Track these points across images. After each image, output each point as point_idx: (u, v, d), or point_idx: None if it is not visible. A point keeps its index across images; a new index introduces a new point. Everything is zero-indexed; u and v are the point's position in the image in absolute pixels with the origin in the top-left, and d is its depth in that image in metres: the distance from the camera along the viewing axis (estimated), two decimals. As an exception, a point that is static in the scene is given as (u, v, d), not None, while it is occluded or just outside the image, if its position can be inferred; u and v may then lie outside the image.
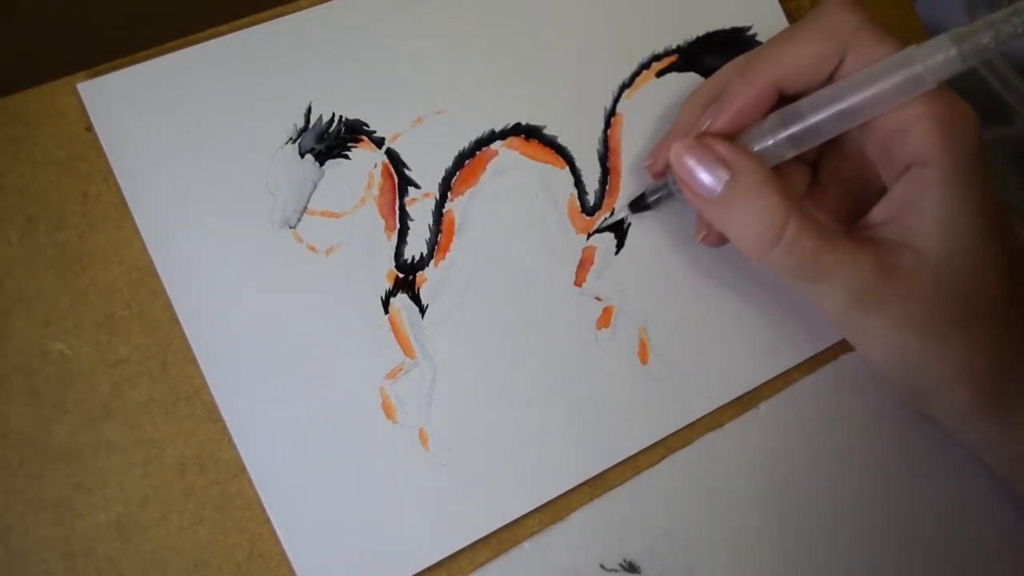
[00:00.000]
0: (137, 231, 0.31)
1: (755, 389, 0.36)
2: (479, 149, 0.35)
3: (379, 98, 0.34)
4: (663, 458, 0.35)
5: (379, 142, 0.34)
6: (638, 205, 0.35)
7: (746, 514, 0.35)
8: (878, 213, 0.31)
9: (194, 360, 0.31)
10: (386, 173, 0.34)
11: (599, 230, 0.36)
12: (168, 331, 0.31)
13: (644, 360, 0.35)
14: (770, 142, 0.31)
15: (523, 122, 0.35)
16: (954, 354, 0.31)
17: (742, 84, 0.31)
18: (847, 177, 0.34)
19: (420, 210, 0.34)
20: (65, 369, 0.30)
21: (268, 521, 0.31)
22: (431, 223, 0.34)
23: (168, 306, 0.31)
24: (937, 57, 0.29)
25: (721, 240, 0.34)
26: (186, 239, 0.32)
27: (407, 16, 0.35)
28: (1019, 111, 0.52)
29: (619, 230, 0.36)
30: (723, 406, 0.36)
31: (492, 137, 0.35)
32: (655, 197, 0.34)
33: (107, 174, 0.31)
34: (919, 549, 0.37)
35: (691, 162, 0.31)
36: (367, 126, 0.34)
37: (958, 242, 0.30)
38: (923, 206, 0.30)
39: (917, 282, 0.30)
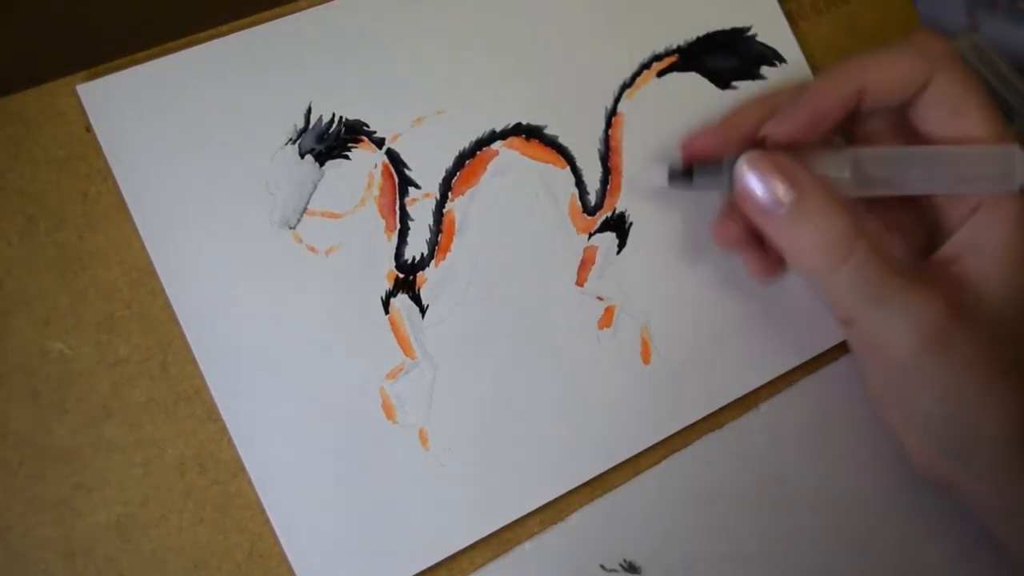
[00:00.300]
0: (137, 231, 0.31)
1: (755, 389, 0.36)
2: (480, 149, 0.35)
3: (379, 98, 0.34)
4: (663, 458, 0.35)
5: (379, 142, 0.34)
6: (677, 176, 0.33)
7: (746, 514, 0.35)
8: (945, 252, 0.31)
9: (194, 360, 0.31)
10: (386, 173, 0.34)
11: (601, 229, 0.36)
12: (168, 331, 0.31)
13: (646, 360, 0.35)
14: (836, 175, 0.30)
15: (524, 122, 0.35)
16: (1017, 400, 0.30)
17: (828, 83, 0.30)
18: (909, 210, 0.33)
19: (420, 210, 0.34)
20: (65, 369, 0.30)
21: (268, 521, 0.31)
22: (431, 223, 0.34)
23: (168, 306, 0.31)
24: None
25: (735, 243, 0.34)
26: (186, 239, 0.32)
27: (407, 16, 0.35)
28: (1019, 111, 0.52)
29: (620, 229, 0.36)
30: (723, 406, 0.36)
31: (493, 137, 0.35)
32: (703, 178, 0.33)
33: (107, 174, 0.31)
34: (919, 548, 0.37)
35: (757, 175, 0.30)
36: (367, 126, 0.34)
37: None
38: (992, 248, 0.30)
39: (983, 324, 0.29)
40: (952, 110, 0.30)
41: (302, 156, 0.33)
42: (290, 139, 0.33)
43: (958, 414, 0.30)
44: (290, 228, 0.33)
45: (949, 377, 0.30)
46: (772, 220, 0.30)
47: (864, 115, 0.32)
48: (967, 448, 0.31)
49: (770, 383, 0.37)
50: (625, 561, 0.34)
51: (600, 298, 0.35)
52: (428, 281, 0.34)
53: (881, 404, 0.32)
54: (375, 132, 0.34)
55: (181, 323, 0.31)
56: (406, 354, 0.33)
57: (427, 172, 0.34)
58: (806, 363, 0.37)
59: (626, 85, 0.37)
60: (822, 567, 0.36)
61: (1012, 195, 0.29)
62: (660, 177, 0.34)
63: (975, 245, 0.30)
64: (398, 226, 0.34)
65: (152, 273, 0.31)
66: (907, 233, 0.33)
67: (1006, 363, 0.30)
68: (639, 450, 0.34)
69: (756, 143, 0.32)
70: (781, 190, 0.29)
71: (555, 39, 0.36)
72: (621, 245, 0.36)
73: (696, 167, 0.33)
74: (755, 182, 0.30)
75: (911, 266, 0.32)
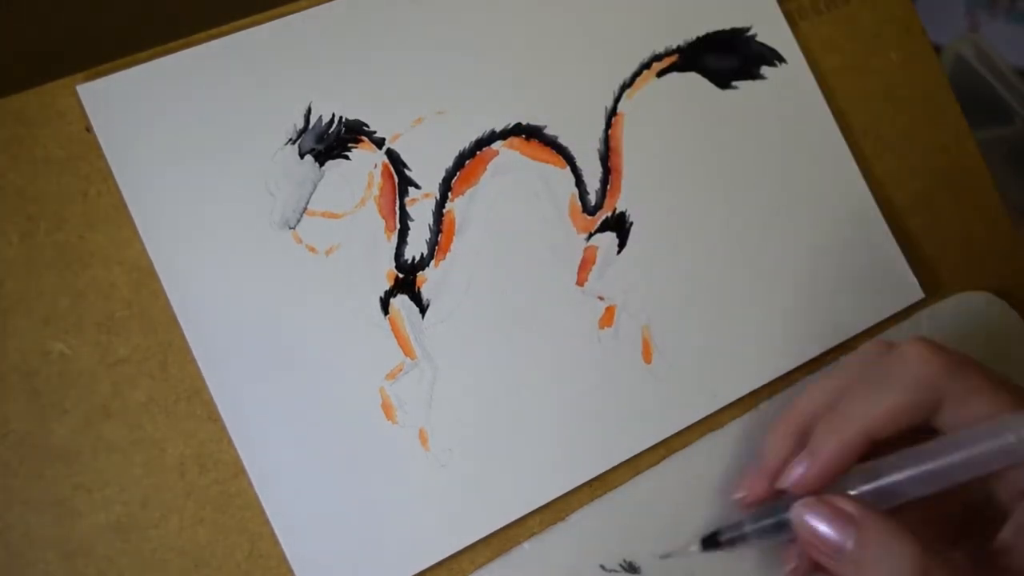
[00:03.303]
0: (137, 231, 0.31)
1: (755, 389, 0.36)
2: (479, 149, 0.35)
3: (379, 98, 0.34)
4: (664, 458, 0.35)
5: (379, 142, 0.34)
6: (711, 543, 0.32)
7: (747, 514, 0.35)
8: (1004, 539, 0.29)
9: (194, 360, 0.31)
10: (386, 173, 0.34)
11: (601, 228, 0.36)
12: (168, 331, 0.31)
13: (648, 359, 0.35)
14: (871, 487, 0.30)
15: (523, 122, 0.35)
16: None
17: (830, 435, 0.30)
18: (955, 494, 0.32)
19: (420, 210, 0.34)
20: (65, 369, 0.30)
21: (268, 521, 0.31)
22: (431, 223, 0.34)
23: (168, 306, 0.31)
24: None
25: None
26: (186, 239, 0.32)
27: (407, 16, 0.35)
28: (1019, 111, 0.52)
29: (621, 229, 0.36)
30: (724, 406, 0.36)
31: (492, 137, 0.35)
32: (729, 536, 0.32)
33: (107, 174, 0.31)
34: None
35: (814, 519, 0.29)
36: (367, 126, 0.34)
37: None
38: None
39: None
40: (974, 421, 0.29)
41: (302, 156, 0.33)
42: (290, 139, 0.33)
43: None
44: (290, 228, 0.33)
45: None
46: (839, 562, 0.29)
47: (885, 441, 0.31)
48: None
49: (770, 383, 0.37)
50: (625, 561, 0.34)
51: (601, 298, 0.35)
52: (428, 281, 0.34)
53: None
54: (375, 132, 0.34)
55: (181, 323, 0.31)
56: (406, 354, 0.33)
57: (427, 172, 0.34)
58: (806, 363, 0.37)
59: (626, 85, 0.37)
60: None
61: None
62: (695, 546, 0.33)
63: None
64: (398, 226, 0.34)
65: (152, 273, 0.31)
66: (948, 518, 0.32)
67: None
68: (639, 450, 0.34)
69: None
70: (839, 530, 0.29)
71: (555, 39, 0.36)
72: (621, 245, 0.36)
73: (720, 527, 0.32)
74: (811, 528, 0.29)
75: (975, 562, 0.30)
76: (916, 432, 0.30)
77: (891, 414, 0.29)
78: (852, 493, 0.29)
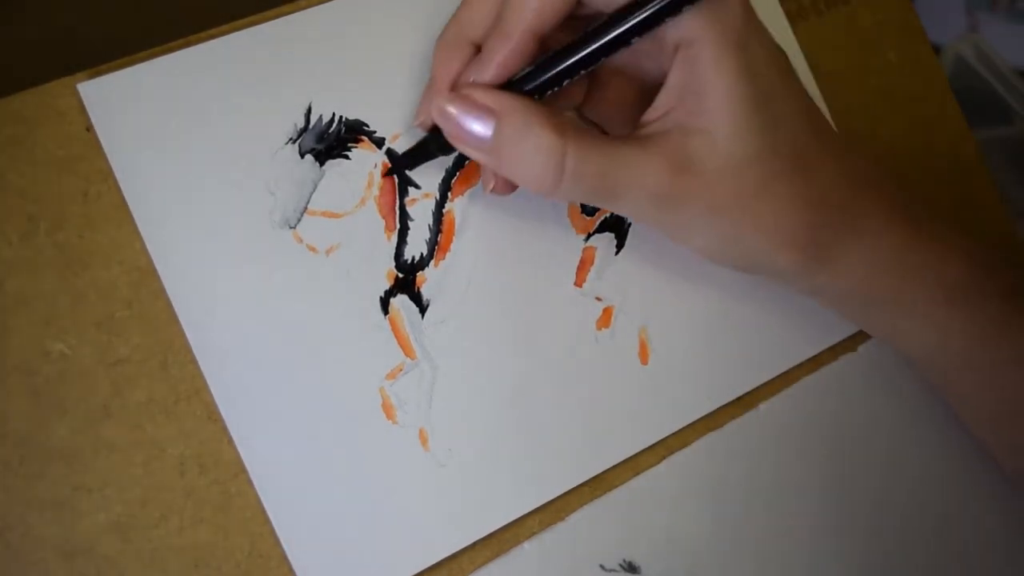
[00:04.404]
0: (137, 231, 0.31)
1: (755, 389, 0.36)
2: (479, 149, 0.35)
3: (379, 98, 0.34)
4: (663, 458, 0.35)
5: (379, 142, 0.34)
6: (401, 161, 0.34)
7: (746, 514, 0.35)
8: (659, 104, 0.31)
9: (194, 360, 0.31)
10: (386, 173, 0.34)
11: (599, 229, 0.36)
12: (168, 331, 0.31)
13: (644, 360, 0.35)
14: (536, 83, 0.30)
15: (523, 122, 0.35)
16: (769, 223, 0.31)
17: (499, 39, 0.30)
18: (625, 70, 0.33)
19: (420, 210, 0.34)
20: (65, 369, 0.30)
21: (268, 521, 0.31)
22: (431, 223, 0.34)
23: (168, 306, 0.31)
24: None
25: (510, 187, 0.33)
26: (186, 239, 0.32)
27: (407, 16, 0.35)
28: (1019, 111, 0.52)
29: (619, 230, 0.36)
30: (723, 406, 0.36)
31: (492, 137, 0.35)
32: (413, 155, 0.33)
33: (107, 174, 0.31)
34: (919, 547, 0.37)
35: (454, 113, 0.30)
36: (367, 126, 0.34)
37: (743, 107, 0.29)
38: (700, 83, 0.29)
39: (713, 164, 0.29)
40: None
41: (302, 156, 0.33)
42: (290, 139, 0.33)
43: (724, 250, 0.32)
44: (290, 228, 0.33)
45: (697, 226, 0.31)
46: (484, 155, 0.30)
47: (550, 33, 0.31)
48: (749, 267, 0.33)
49: (770, 383, 0.37)
50: (625, 561, 0.34)
51: (599, 299, 0.35)
52: (428, 281, 0.34)
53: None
54: (375, 132, 0.34)
55: (181, 323, 0.31)
56: (406, 354, 0.33)
57: (427, 172, 0.34)
58: (806, 363, 0.37)
59: (626, 85, 0.37)
60: (822, 566, 0.36)
61: (699, 26, 0.29)
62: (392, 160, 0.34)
63: (685, 85, 0.30)
64: (398, 226, 0.34)
65: (152, 273, 0.31)
66: (625, 96, 0.33)
67: (752, 193, 0.30)
68: (638, 450, 0.34)
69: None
70: (479, 122, 0.30)
71: (555, 39, 0.36)
72: (620, 246, 0.36)
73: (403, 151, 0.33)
74: (453, 122, 0.30)
75: (632, 131, 0.31)
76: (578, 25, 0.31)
77: (546, 4, 0.30)
78: (535, 82, 0.30)
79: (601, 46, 0.29)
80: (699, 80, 0.29)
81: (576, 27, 0.30)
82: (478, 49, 0.31)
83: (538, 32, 0.30)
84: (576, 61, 0.30)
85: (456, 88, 0.31)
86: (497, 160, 0.30)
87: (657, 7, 0.28)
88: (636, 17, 0.29)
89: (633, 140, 0.30)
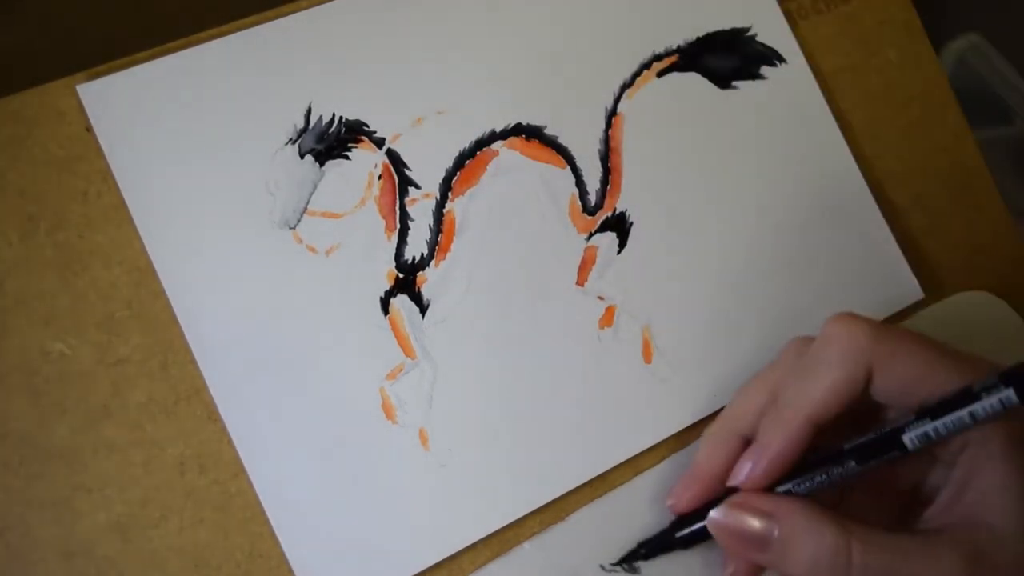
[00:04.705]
0: (137, 231, 0.31)
1: (756, 389, 0.36)
2: (480, 149, 0.35)
3: (379, 98, 0.34)
4: (664, 459, 0.35)
5: (379, 142, 0.34)
6: (633, 557, 0.33)
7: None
8: (943, 499, 0.30)
9: (194, 360, 0.31)
10: (386, 173, 0.34)
11: (601, 228, 0.36)
12: (168, 331, 0.31)
13: (648, 359, 0.35)
14: (812, 483, 0.30)
15: (524, 122, 0.35)
16: None
17: (776, 429, 0.30)
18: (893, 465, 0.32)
19: (420, 210, 0.34)
20: (65, 369, 0.30)
21: (268, 521, 0.31)
22: (431, 223, 0.34)
23: (168, 306, 0.31)
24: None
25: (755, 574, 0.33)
26: (186, 239, 0.32)
27: (407, 16, 0.35)
28: (1019, 111, 0.52)
29: (621, 229, 0.36)
30: (724, 406, 0.36)
31: (493, 137, 0.35)
32: (650, 549, 0.33)
33: (107, 174, 0.31)
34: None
35: (732, 520, 0.30)
36: (367, 126, 0.34)
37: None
38: (988, 479, 0.29)
39: (1003, 559, 0.29)
40: (905, 390, 0.30)
41: (302, 156, 0.33)
42: (290, 139, 0.33)
43: None
44: (290, 228, 0.33)
45: None
46: (763, 556, 0.30)
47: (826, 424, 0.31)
48: None
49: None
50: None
51: (601, 298, 0.35)
52: (428, 281, 0.34)
53: None
54: (375, 132, 0.34)
55: (181, 323, 0.31)
56: (406, 354, 0.33)
57: (427, 172, 0.34)
58: (806, 363, 0.37)
59: (626, 85, 0.37)
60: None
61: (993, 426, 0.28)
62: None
63: (970, 480, 0.29)
64: (398, 226, 0.34)
65: (152, 273, 0.31)
66: (897, 487, 0.32)
67: None
68: (639, 450, 0.34)
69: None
70: (760, 527, 0.30)
71: (555, 39, 0.36)
72: (621, 245, 0.36)
73: (640, 541, 0.33)
74: (729, 529, 0.30)
75: (912, 528, 0.31)
76: (856, 408, 0.30)
77: (829, 393, 0.30)
78: (810, 483, 0.30)
79: (893, 451, 0.29)
80: (987, 475, 0.29)
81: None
82: (746, 443, 0.31)
83: (816, 423, 0.30)
84: (864, 468, 0.29)
85: (709, 484, 0.31)
86: (780, 559, 0.29)
87: (991, 411, 0.27)
88: (951, 420, 0.28)
89: (918, 535, 0.29)
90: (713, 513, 0.31)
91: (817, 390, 0.30)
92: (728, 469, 0.31)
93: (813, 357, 0.30)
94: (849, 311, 0.30)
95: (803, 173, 0.38)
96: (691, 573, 0.34)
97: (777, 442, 0.30)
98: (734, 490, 0.31)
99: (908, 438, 0.28)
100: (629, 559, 0.33)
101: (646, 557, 0.33)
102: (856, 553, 0.29)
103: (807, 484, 0.30)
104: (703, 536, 0.31)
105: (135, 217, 0.31)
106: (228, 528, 0.31)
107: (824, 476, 0.30)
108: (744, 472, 0.31)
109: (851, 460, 0.29)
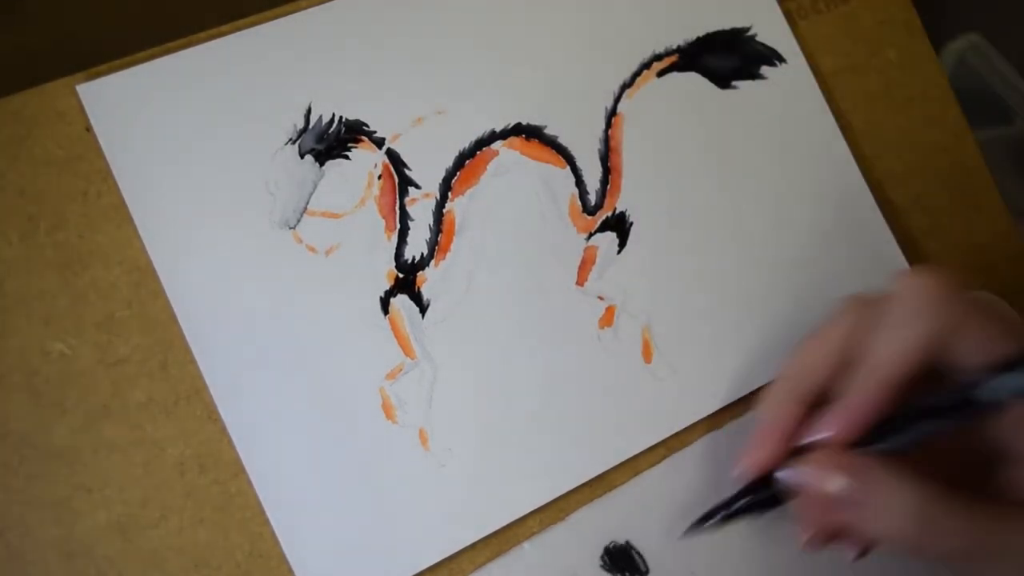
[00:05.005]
0: (137, 231, 0.31)
1: (755, 389, 0.36)
2: (479, 149, 0.35)
3: (379, 98, 0.34)
4: (663, 458, 0.35)
5: (379, 142, 0.34)
6: (700, 525, 0.32)
7: (747, 514, 0.35)
8: (1013, 474, 0.30)
9: (194, 360, 0.31)
10: (386, 173, 0.34)
11: (601, 228, 0.36)
12: (168, 331, 0.31)
13: (648, 359, 0.35)
14: (891, 443, 0.29)
15: (523, 122, 0.35)
16: None
17: (863, 384, 0.29)
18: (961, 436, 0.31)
19: (420, 210, 0.34)
20: (65, 369, 0.30)
21: (268, 521, 0.31)
22: (431, 223, 0.34)
23: (168, 306, 0.31)
24: None
25: (828, 541, 0.31)
26: (186, 239, 0.32)
27: (407, 16, 0.35)
28: (1019, 111, 0.52)
29: (621, 229, 0.36)
30: (724, 406, 0.36)
31: (493, 137, 0.35)
32: (717, 519, 0.31)
33: (107, 174, 0.31)
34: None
35: (813, 479, 0.29)
36: (367, 126, 0.34)
37: None
38: None
39: None
40: (980, 349, 0.29)
41: (302, 156, 0.33)
42: (290, 139, 0.33)
43: None
44: (290, 228, 0.33)
45: None
46: (840, 511, 0.29)
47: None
48: None
49: (770, 383, 0.36)
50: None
51: (601, 298, 0.35)
52: (428, 281, 0.34)
53: None
54: (375, 132, 0.34)
55: (181, 323, 0.31)
56: (406, 354, 0.33)
57: (427, 172, 0.34)
58: (806, 363, 0.37)
59: (626, 85, 0.37)
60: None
61: None
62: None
63: None
64: (398, 226, 0.34)
65: (152, 273, 0.31)
66: (971, 452, 0.31)
67: None
68: (639, 450, 0.34)
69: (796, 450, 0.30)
70: (842, 484, 0.28)
71: (555, 39, 0.36)
72: (621, 245, 0.36)
73: (709, 510, 0.32)
74: (807, 484, 0.29)
75: (989, 496, 0.30)
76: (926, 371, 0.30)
77: (918, 346, 0.29)
78: (890, 444, 0.29)
79: (970, 408, 0.28)
80: None
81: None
82: (808, 404, 0.30)
83: (904, 378, 0.29)
84: (940, 427, 0.28)
85: (781, 444, 0.30)
86: (862, 518, 0.29)
87: None
88: None
89: (1002, 503, 0.29)
90: (790, 472, 0.30)
91: (906, 342, 0.29)
92: (793, 430, 0.30)
93: (894, 313, 0.29)
94: (919, 266, 0.29)
95: (803, 173, 0.38)
96: (747, 557, 0.33)
97: (865, 398, 0.29)
98: (799, 453, 0.30)
99: (986, 392, 0.27)
100: (701, 523, 0.32)
101: (724, 521, 0.31)
102: (941, 515, 0.28)
103: (886, 444, 0.29)
104: (773, 503, 0.30)
105: (135, 217, 0.31)
106: (228, 528, 0.31)
107: (901, 435, 0.29)
108: (826, 429, 0.30)
109: (928, 419, 0.28)
